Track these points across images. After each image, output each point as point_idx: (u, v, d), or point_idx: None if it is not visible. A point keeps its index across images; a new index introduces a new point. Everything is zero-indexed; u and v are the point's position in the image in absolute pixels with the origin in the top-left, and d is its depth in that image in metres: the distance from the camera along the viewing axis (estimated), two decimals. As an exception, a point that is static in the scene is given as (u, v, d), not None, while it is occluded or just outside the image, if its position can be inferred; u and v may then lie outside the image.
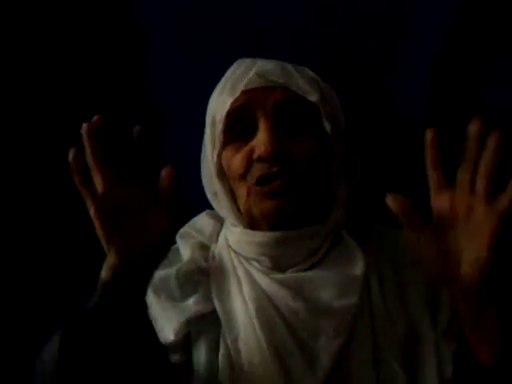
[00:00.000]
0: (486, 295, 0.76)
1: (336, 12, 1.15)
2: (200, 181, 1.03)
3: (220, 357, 0.91)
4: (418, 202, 0.76)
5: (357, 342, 0.92)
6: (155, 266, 0.83)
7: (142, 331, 0.83)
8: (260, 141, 0.92)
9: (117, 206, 0.78)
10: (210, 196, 1.02)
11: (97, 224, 0.78)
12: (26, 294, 1.15)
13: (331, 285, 0.93)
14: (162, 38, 1.20)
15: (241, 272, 0.96)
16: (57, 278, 1.16)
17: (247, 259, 0.97)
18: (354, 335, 0.92)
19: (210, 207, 1.04)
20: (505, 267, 0.84)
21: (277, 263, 0.96)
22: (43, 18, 1.18)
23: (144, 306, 0.84)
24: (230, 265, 0.97)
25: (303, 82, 0.96)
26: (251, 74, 0.95)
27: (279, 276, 0.95)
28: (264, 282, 0.94)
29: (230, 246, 0.99)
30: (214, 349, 0.92)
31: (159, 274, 0.95)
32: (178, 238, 1.03)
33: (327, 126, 0.96)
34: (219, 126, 0.96)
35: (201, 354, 0.92)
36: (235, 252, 0.99)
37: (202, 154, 1.02)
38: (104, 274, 0.80)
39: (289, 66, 0.98)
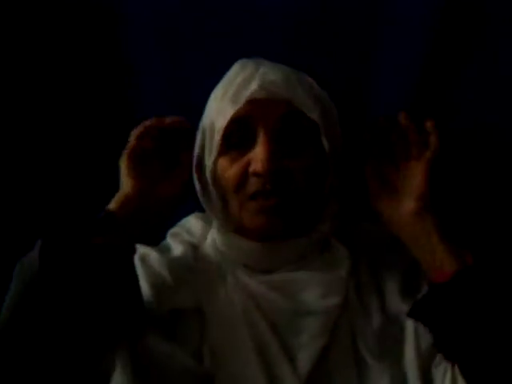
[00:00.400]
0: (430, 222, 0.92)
1: (316, 12, 1.15)
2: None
3: (204, 351, 0.92)
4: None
5: (338, 341, 0.93)
6: (154, 221, 0.98)
7: (124, 274, 0.89)
8: (257, 156, 0.92)
9: (149, 152, 0.98)
10: (201, 198, 1.01)
11: (126, 157, 0.97)
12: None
13: (315, 286, 0.95)
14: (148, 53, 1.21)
15: (227, 272, 0.98)
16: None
17: (234, 260, 0.99)
18: (336, 335, 0.93)
19: (201, 207, 1.04)
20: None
21: (263, 267, 0.98)
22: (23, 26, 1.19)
23: (132, 258, 0.91)
24: (217, 265, 0.99)
25: (306, 97, 0.94)
26: (255, 84, 0.93)
27: (265, 278, 0.96)
28: (250, 283, 0.96)
29: (217, 248, 1.01)
30: (197, 347, 0.92)
31: (151, 258, 0.99)
32: (169, 237, 1.05)
33: (325, 144, 0.95)
34: (218, 136, 0.95)
35: (184, 348, 0.92)
36: (223, 254, 1.00)
37: (195, 157, 1.01)
38: (111, 205, 0.94)
39: (293, 77, 0.96)
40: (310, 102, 0.94)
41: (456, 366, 0.87)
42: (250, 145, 0.94)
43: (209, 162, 0.97)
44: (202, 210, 1.04)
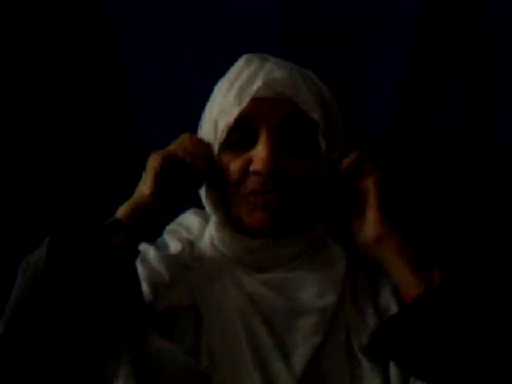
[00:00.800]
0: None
1: (303, 12, 1.16)
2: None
3: (201, 349, 0.92)
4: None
5: (332, 340, 0.94)
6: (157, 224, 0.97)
7: (128, 276, 0.89)
8: (259, 155, 0.92)
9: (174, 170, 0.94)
10: (201, 193, 1.02)
11: (161, 160, 0.92)
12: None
13: (312, 285, 0.96)
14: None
15: (224, 270, 0.98)
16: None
17: (231, 258, 0.99)
18: (331, 334, 0.94)
19: (198, 204, 1.05)
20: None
21: (260, 265, 0.98)
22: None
23: (135, 261, 0.91)
24: (213, 263, 0.99)
25: (309, 97, 0.95)
26: (259, 82, 0.93)
27: (262, 276, 0.97)
28: (247, 281, 0.97)
29: (214, 245, 1.01)
30: (194, 345, 0.93)
31: (149, 256, 0.99)
32: (166, 234, 1.05)
33: (323, 144, 0.96)
34: (221, 133, 0.95)
35: (181, 346, 0.92)
36: (220, 250, 1.01)
37: None
38: (123, 211, 0.91)
39: (297, 76, 0.97)
40: (313, 102, 0.95)
41: None
42: (251, 142, 0.95)
43: None
44: (199, 206, 1.05)
